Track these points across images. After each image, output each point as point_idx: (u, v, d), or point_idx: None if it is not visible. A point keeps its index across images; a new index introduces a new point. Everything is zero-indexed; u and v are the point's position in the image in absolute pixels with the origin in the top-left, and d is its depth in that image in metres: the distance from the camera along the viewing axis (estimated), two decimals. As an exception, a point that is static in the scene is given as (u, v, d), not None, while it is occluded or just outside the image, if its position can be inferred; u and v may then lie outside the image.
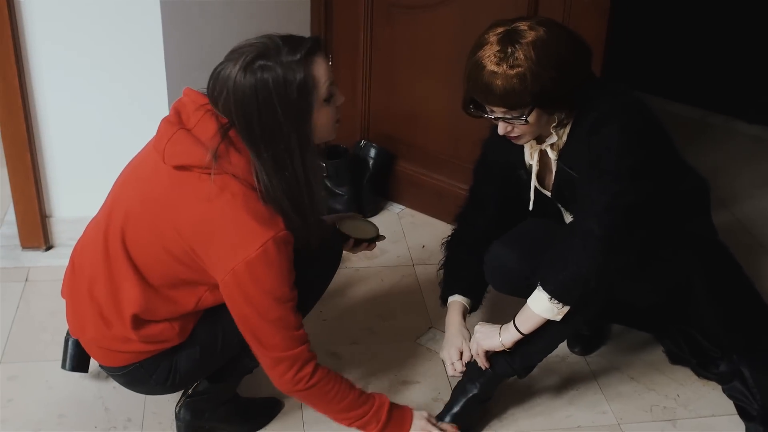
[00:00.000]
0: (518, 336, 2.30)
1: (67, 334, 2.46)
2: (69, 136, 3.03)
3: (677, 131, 2.43)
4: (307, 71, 1.94)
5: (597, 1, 2.80)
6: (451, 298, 2.55)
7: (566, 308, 2.22)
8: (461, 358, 2.47)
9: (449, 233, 2.63)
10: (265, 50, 1.93)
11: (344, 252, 2.46)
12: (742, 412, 2.55)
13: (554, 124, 2.24)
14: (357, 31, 3.35)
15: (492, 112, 2.18)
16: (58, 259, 3.11)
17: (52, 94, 2.96)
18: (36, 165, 3.03)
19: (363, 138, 3.51)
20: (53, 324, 2.80)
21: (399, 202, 3.56)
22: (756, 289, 2.59)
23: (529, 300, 2.26)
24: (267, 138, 1.95)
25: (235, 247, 1.98)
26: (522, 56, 2.08)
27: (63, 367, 2.47)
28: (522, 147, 2.38)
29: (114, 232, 2.11)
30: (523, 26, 2.13)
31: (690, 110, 4.34)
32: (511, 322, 2.32)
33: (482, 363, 2.41)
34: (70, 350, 2.46)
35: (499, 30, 2.14)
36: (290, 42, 1.96)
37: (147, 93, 2.96)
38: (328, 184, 3.39)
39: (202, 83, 3.01)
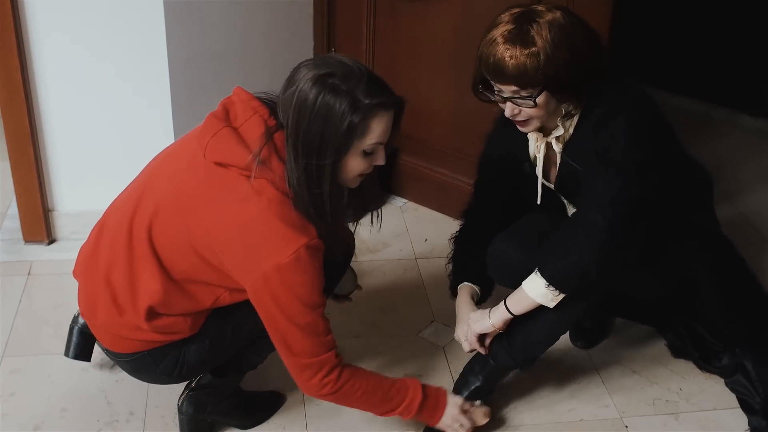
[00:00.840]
0: (508, 316, 2.31)
1: (72, 321, 2.46)
2: (72, 130, 3.03)
3: (681, 124, 2.43)
4: (367, 118, 1.95)
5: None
6: (460, 286, 2.54)
7: (561, 296, 2.22)
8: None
9: (456, 229, 2.62)
10: (348, 75, 1.95)
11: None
12: (745, 406, 2.55)
13: (561, 116, 2.23)
14: (360, 24, 3.35)
15: (501, 91, 2.17)
16: (61, 252, 3.12)
17: (54, 87, 2.96)
18: (39, 159, 3.03)
19: (366, 132, 3.50)
20: (56, 318, 2.81)
21: (402, 196, 3.56)
22: (759, 282, 2.59)
23: (525, 283, 2.26)
24: (306, 149, 1.96)
25: (267, 251, 1.99)
26: (537, 36, 2.07)
27: (66, 354, 2.47)
28: (526, 140, 2.37)
29: (141, 221, 2.11)
30: (540, 8, 2.13)
31: (694, 103, 4.32)
32: (502, 303, 2.32)
33: (478, 348, 2.41)
34: (74, 338, 2.46)
35: (516, 10, 2.14)
36: (374, 84, 1.98)
37: (150, 87, 2.96)
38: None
39: (204, 76, 3.05)
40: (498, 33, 2.10)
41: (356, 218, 2.23)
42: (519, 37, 2.08)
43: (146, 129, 3.03)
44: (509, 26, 2.10)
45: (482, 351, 2.42)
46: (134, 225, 2.11)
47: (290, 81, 1.99)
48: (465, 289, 2.52)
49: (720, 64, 4.27)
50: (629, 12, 2.76)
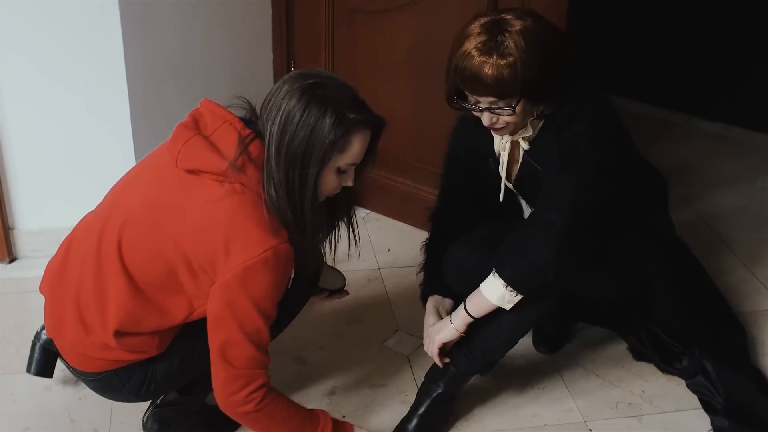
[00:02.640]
0: (469, 319, 2.32)
1: (35, 337, 2.43)
2: (31, 148, 3.01)
3: (639, 130, 2.46)
4: (350, 133, 1.97)
5: (555, 1, 2.82)
6: (430, 298, 2.54)
7: (518, 297, 2.24)
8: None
9: (421, 237, 2.63)
10: (336, 89, 1.98)
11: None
12: (707, 406, 2.58)
13: (532, 117, 2.25)
14: (318, 36, 3.36)
15: (478, 102, 2.18)
16: (22, 271, 3.10)
17: (12, 106, 2.94)
18: (-2, 177, 3.02)
19: (327, 143, 3.51)
20: (18, 336, 2.78)
21: (364, 207, 3.57)
22: (714, 283, 2.63)
23: (483, 285, 2.27)
24: (290, 157, 1.96)
25: (236, 250, 1.98)
26: (512, 45, 2.08)
27: (28, 370, 2.44)
28: (490, 136, 2.38)
29: (110, 236, 2.09)
30: (508, 16, 2.13)
31: (652, 109, 4.38)
32: (462, 305, 2.33)
33: (438, 361, 2.42)
34: (36, 355, 2.43)
35: (485, 20, 2.14)
36: (359, 101, 2.02)
37: (108, 105, 2.96)
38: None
39: (163, 92, 3.05)
40: (472, 45, 2.11)
41: (329, 232, 2.23)
42: (494, 48, 2.08)
43: (106, 146, 3.02)
44: (482, 38, 2.10)
45: (440, 363, 2.43)
46: (103, 240, 2.10)
47: (277, 89, 2.00)
48: (430, 302, 2.52)
49: (677, 70, 4.32)
50: (584, 19, 2.79)
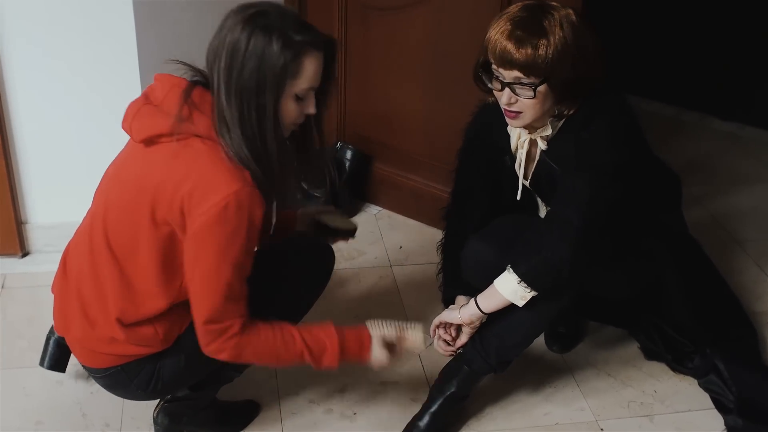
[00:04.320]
0: (477, 313, 2.32)
1: (49, 332, 2.45)
2: (44, 142, 3.02)
3: (652, 128, 2.46)
4: (300, 56, 1.92)
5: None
6: (456, 298, 2.52)
7: (531, 294, 2.23)
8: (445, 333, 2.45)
9: (432, 235, 2.62)
10: (278, 15, 1.93)
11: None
12: (719, 405, 2.58)
13: (553, 116, 2.24)
14: (331, 33, 3.34)
15: (502, 77, 2.17)
16: (35, 265, 3.10)
17: (26, 101, 2.94)
18: (11, 171, 3.02)
19: (339, 140, 3.52)
20: (30, 331, 2.79)
21: (376, 204, 3.57)
22: (725, 282, 2.62)
23: (497, 280, 2.27)
24: (242, 91, 1.92)
25: (195, 203, 1.94)
26: (550, 27, 2.09)
27: (41, 364, 2.46)
28: (507, 133, 2.38)
29: (97, 227, 2.09)
30: (555, 3, 2.15)
31: (664, 108, 4.36)
32: (473, 299, 2.33)
33: (433, 335, 2.43)
34: (50, 349, 2.45)
35: (529, 2, 2.16)
36: (303, 24, 1.96)
37: (121, 99, 2.92)
38: (304, 186, 3.39)
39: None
40: (509, 19, 2.12)
41: (302, 173, 2.17)
42: (531, 26, 2.10)
43: (119, 141, 3.01)
44: (522, 14, 2.12)
45: (436, 342, 2.44)
46: (93, 233, 2.11)
47: (220, 28, 1.96)
48: (460, 301, 2.50)
49: (690, 69, 4.31)
50: (598, 17, 2.78)
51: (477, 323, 2.36)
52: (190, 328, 2.15)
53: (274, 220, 2.17)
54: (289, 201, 2.15)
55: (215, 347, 2.06)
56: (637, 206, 2.33)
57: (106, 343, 2.13)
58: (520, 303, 2.26)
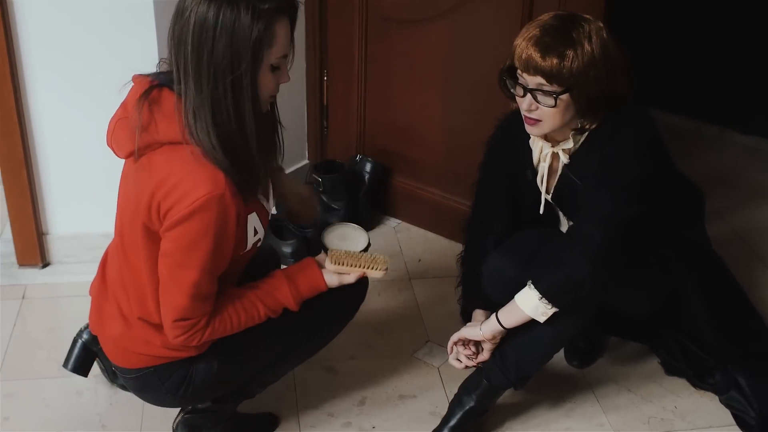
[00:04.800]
0: (499, 328, 2.31)
1: (77, 334, 2.46)
2: (65, 153, 3.03)
3: (673, 142, 2.44)
4: (272, 24, 1.89)
5: (590, 9, 2.80)
6: (474, 312, 2.52)
7: (553, 310, 2.22)
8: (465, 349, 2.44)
9: (451, 248, 2.62)
10: None
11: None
12: (741, 422, 2.56)
13: (575, 129, 2.24)
14: (351, 46, 3.37)
15: (526, 83, 2.17)
16: (55, 276, 3.12)
17: (48, 111, 2.96)
18: (32, 182, 3.03)
19: (359, 152, 3.52)
20: (50, 341, 2.80)
21: (395, 217, 3.56)
22: (748, 297, 2.60)
23: (518, 296, 2.26)
24: (215, 70, 1.88)
25: (167, 206, 1.94)
26: (578, 38, 2.10)
27: (65, 365, 2.46)
28: (529, 147, 2.38)
29: (117, 235, 2.15)
30: (587, 16, 2.15)
31: (685, 121, 4.34)
32: (494, 314, 2.32)
33: (449, 352, 2.43)
34: (76, 351, 2.46)
35: (561, 13, 2.18)
36: None
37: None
38: (324, 198, 3.40)
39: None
40: (539, 26, 2.13)
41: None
42: (560, 35, 2.10)
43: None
44: (552, 22, 2.13)
45: (454, 362, 2.43)
46: (116, 241, 2.16)
47: (179, 12, 1.91)
48: (475, 315, 2.50)
49: (711, 82, 4.30)
50: (619, 31, 2.77)
51: (498, 338, 2.36)
52: (227, 338, 2.15)
53: (271, 209, 2.19)
54: (263, 182, 2.10)
55: (183, 339, 2.07)
56: (660, 221, 2.32)
57: (141, 344, 2.14)
58: (541, 319, 2.25)
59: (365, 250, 2.29)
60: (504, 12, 2.92)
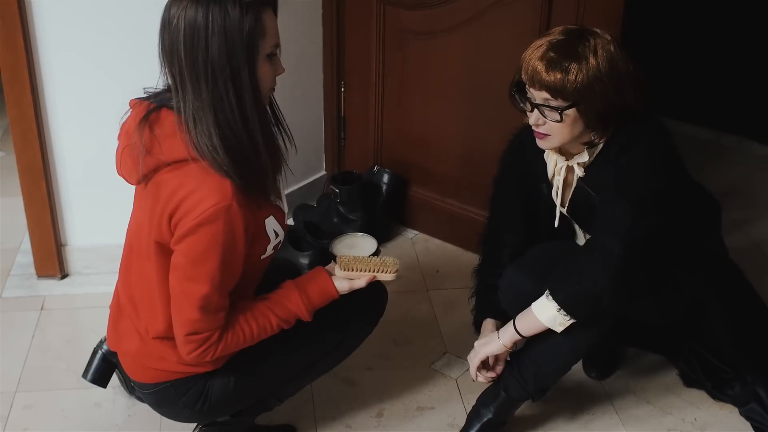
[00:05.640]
0: (516, 336, 2.30)
1: (97, 345, 2.47)
2: (83, 165, 3.05)
3: (691, 152, 2.44)
4: (260, 15, 1.91)
5: (608, 19, 2.80)
6: (484, 322, 2.52)
7: (570, 321, 2.22)
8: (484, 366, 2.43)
9: (468, 259, 2.61)
10: None
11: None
12: (760, 434, 2.54)
13: (587, 143, 2.24)
14: (369, 57, 3.37)
15: (533, 97, 2.17)
16: (74, 287, 3.13)
17: (66, 123, 2.98)
18: (51, 194, 3.05)
19: (376, 163, 3.53)
20: (69, 352, 2.81)
21: (412, 228, 3.56)
22: (767, 307, 2.59)
23: (534, 305, 2.25)
24: (212, 69, 1.89)
25: (180, 217, 1.95)
26: (584, 53, 2.10)
27: (84, 376, 2.47)
28: (544, 161, 2.38)
29: (128, 250, 2.16)
30: (597, 30, 2.15)
31: (703, 131, 4.33)
32: (511, 322, 2.31)
33: (473, 373, 2.40)
34: (96, 362, 2.46)
35: (571, 27, 2.18)
36: None
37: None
38: (341, 210, 3.40)
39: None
40: (547, 40, 2.13)
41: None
42: (566, 49, 2.10)
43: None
44: (560, 37, 2.13)
45: (481, 378, 2.42)
46: (129, 256, 2.17)
47: (165, 23, 1.92)
48: (485, 324, 2.50)
49: (729, 92, 4.28)
50: (637, 40, 2.77)
51: (517, 347, 2.36)
52: (242, 352, 2.15)
53: (285, 208, 2.19)
54: (272, 181, 2.08)
55: (197, 355, 2.06)
56: (677, 232, 2.31)
57: (157, 359, 2.15)
58: (559, 329, 2.24)
59: (374, 255, 2.29)
60: (522, 24, 2.92)
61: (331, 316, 2.22)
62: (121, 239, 2.29)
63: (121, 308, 2.22)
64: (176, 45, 1.90)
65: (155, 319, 2.10)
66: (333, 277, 2.20)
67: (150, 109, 2.01)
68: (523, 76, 2.17)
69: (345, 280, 2.20)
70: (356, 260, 2.20)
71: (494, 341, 2.35)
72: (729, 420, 2.62)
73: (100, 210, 3.11)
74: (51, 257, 3.14)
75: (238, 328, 2.08)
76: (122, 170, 2.11)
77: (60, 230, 3.14)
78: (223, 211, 1.93)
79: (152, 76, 2.89)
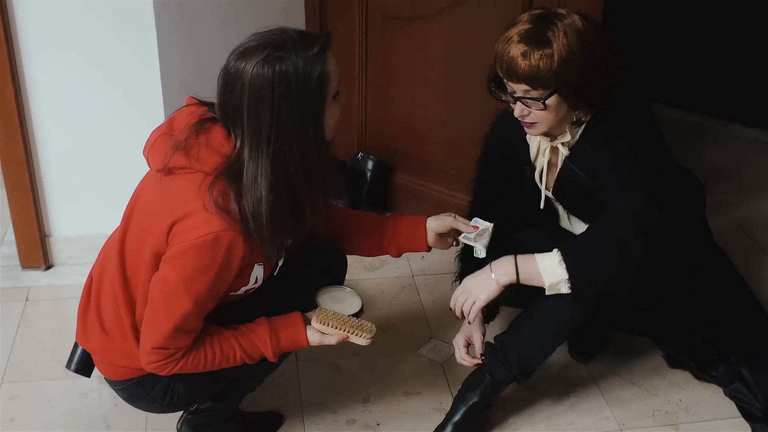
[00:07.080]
0: (513, 272, 2.18)
1: None
2: (67, 156, 3.04)
3: (675, 135, 2.44)
4: (323, 65, 1.91)
5: (590, 3, 2.79)
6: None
7: (564, 289, 2.15)
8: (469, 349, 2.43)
9: (460, 246, 2.59)
10: (282, 43, 1.90)
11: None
12: (746, 413, 2.55)
13: (571, 122, 2.23)
14: (352, 43, 3.36)
15: (513, 91, 2.16)
16: (58, 278, 3.12)
17: (49, 114, 2.97)
18: (34, 185, 3.04)
19: (360, 150, 3.52)
20: (53, 343, 2.81)
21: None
22: (750, 289, 2.60)
23: (539, 255, 2.17)
24: (277, 132, 1.90)
25: (176, 232, 1.95)
26: (553, 37, 2.08)
27: (68, 366, 2.45)
28: (526, 142, 2.37)
29: (118, 244, 2.12)
30: (561, 11, 2.14)
31: (687, 115, 4.34)
32: (512, 257, 2.20)
33: (457, 315, 2.31)
34: (78, 352, 2.45)
35: (536, 12, 2.16)
36: (305, 36, 1.94)
37: (144, 114, 2.96)
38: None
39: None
40: (515, 32, 2.11)
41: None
42: (535, 37, 2.09)
43: (140, 156, 3.02)
44: (527, 26, 2.11)
45: (467, 361, 2.42)
46: (113, 250, 2.13)
47: (226, 84, 1.92)
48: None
49: (712, 75, 4.29)
50: (619, 24, 2.77)
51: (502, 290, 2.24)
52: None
53: (280, 263, 2.17)
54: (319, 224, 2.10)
55: (155, 367, 2.06)
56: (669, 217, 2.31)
57: (121, 356, 2.14)
58: (548, 289, 2.17)
59: (357, 315, 2.25)
60: (504, 8, 2.91)
61: (291, 285, 2.21)
62: (106, 229, 2.29)
63: (89, 302, 2.19)
64: (238, 104, 1.90)
65: (134, 316, 2.09)
66: (308, 327, 2.16)
67: (205, 118, 2.00)
68: (499, 71, 2.17)
69: (317, 333, 2.17)
70: (335, 317, 2.17)
71: (488, 280, 2.21)
72: (713, 400, 2.64)
73: (84, 200, 3.10)
74: (35, 248, 3.13)
75: (201, 351, 2.07)
76: (150, 153, 2.05)
77: (44, 221, 3.12)
78: (228, 239, 1.93)
79: (135, 68, 2.91)
